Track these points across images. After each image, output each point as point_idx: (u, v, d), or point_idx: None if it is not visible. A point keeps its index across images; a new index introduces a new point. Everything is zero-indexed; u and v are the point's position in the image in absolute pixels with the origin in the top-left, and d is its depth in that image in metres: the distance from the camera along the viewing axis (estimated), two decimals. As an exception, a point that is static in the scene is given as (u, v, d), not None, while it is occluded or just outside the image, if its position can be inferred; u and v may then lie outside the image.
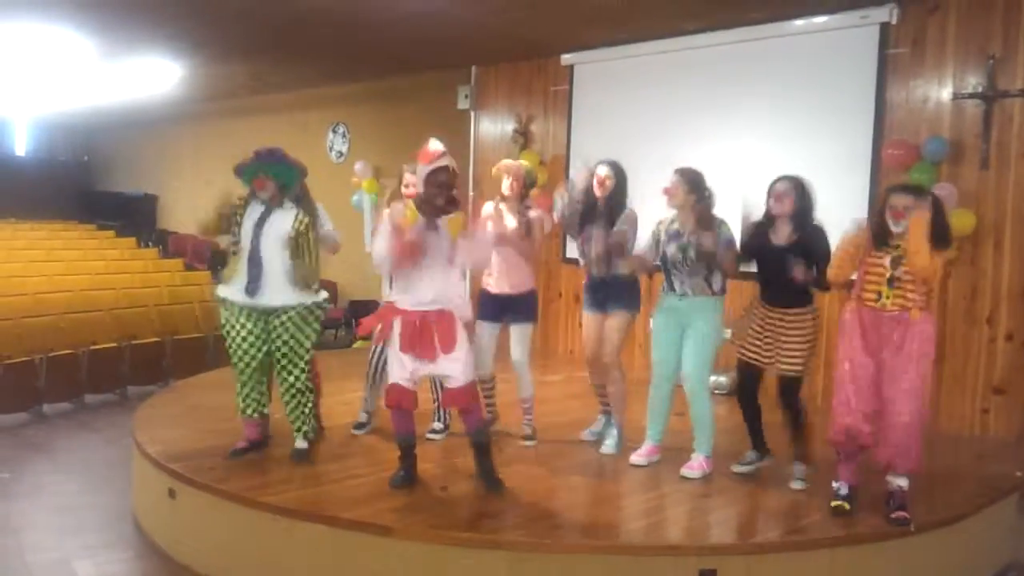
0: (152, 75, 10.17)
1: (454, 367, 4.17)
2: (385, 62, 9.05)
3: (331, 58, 9.02)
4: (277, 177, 4.40)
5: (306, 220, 4.47)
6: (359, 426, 5.21)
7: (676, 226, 4.62)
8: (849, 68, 6.26)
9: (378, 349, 5.08)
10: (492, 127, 8.99)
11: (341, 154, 11.16)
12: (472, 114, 9.13)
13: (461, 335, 4.18)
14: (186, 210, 15.40)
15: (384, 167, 9.96)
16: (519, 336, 5.07)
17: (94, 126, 17.63)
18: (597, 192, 4.82)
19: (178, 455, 4.58)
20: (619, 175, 4.84)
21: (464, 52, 8.44)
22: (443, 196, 4.10)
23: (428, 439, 5.01)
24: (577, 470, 4.68)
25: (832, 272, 4.15)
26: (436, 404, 5.17)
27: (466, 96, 9.10)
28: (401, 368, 4.18)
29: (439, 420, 5.19)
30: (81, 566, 4.34)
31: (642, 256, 4.76)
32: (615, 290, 4.89)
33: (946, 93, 5.86)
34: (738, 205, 4.89)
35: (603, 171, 4.83)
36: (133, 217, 16.46)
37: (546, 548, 3.67)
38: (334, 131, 11.44)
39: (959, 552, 4.25)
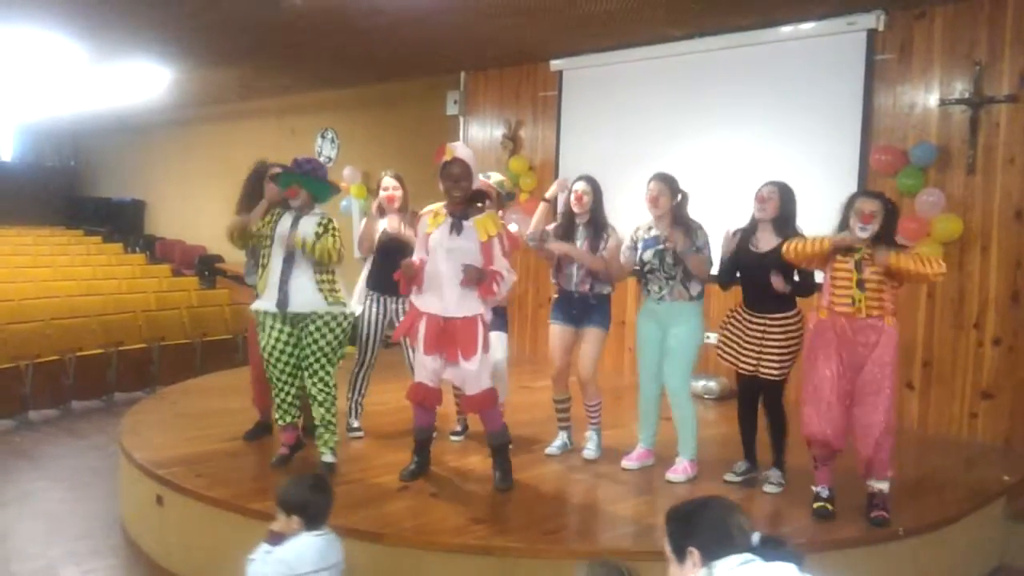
0: (141, 80, 10.14)
1: (472, 372, 4.17)
2: (374, 68, 9.04)
3: (320, 63, 9.00)
4: (308, 188, 4.47)
5: (329, 222, 4.51)
6: (352, 430, 5.21)
7: (654, 232, 4.61)
8: (836, 74, 6.29)
9: (364, 358, 5.14)
10: (481, 132, 8.98)
11: (330, 159, 11.14)
12: (461, 120, 9.12)
13: (482, 342, 4.17)
14: (174, 216, 15.36)
15: (373, 173, 9.94)
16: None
17: (81, 131, 17.57)
18: (575, 208, 4.79)
19: (165, 462, 4.55)
20: (596, 190, 4.81)
21: (453, 58, 8.44)
22: (458, 188, 4.14)
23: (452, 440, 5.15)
24: (568, 475, 4.67)
25: (791, 252, 4.07)
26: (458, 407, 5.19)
27: (455, 102, 9.10)
28: (423, 368, 4.26)
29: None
30: (67, 574, 4.31)
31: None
32: (592, 308, 4.84)
33: (933, 99, 5.90)
34: (723, 210, 4.88)
35: (580, 187, 4.79)
36: (120, 223, 16.42)
37: (538, 554, 3.66)
38: (323, 136, 11.42)
39: (947, 556, 4.26)
